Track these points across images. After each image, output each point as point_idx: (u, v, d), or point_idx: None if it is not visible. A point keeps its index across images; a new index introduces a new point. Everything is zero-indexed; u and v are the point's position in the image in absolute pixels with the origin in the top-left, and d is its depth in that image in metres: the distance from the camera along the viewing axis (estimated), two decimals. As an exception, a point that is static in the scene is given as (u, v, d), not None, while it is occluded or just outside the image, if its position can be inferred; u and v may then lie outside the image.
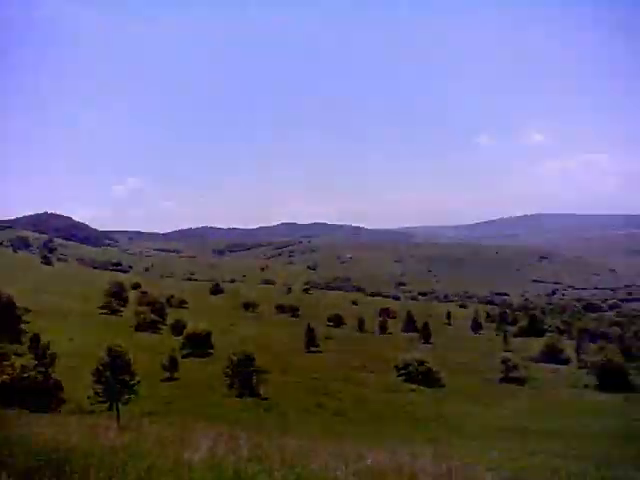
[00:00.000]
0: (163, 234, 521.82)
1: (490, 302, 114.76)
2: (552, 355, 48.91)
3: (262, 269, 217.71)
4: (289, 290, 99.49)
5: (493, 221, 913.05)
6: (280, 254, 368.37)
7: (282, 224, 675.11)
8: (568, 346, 51.53)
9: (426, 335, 57.67)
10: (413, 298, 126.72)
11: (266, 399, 25.77)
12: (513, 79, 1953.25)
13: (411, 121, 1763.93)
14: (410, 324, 65.38)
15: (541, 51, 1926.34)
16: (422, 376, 33.85)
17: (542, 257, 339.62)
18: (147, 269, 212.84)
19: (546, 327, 69.38)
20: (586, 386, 33.56)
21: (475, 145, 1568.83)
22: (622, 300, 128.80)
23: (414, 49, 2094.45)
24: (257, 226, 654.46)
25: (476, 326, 70.32)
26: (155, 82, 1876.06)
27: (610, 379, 33.32)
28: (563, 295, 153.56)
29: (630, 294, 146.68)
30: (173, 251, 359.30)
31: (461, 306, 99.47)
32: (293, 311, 72.70)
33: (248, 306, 72.28)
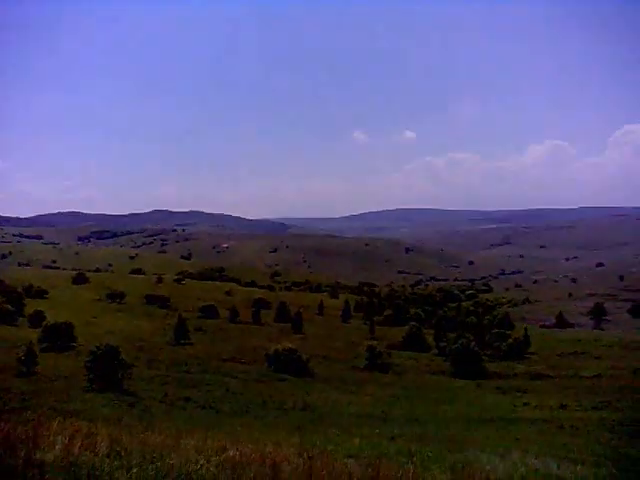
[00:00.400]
0: (24, 218, 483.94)
1: (360, 292, 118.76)
2: (414, 343, 51.84)
3: (131, 257, 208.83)
4: (159, 280, 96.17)
5: (365, 214, 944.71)
6: (152, 242, 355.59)
7: (155, 211, 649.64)
8: (429, 334, 54.76)
9: (298, 325, 58.66)
10: (287, 288, 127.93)
11: (131, 394, 24.86)
12: (390, 80, 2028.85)
13: (293, 113, 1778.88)
14: (283, 314, 66.08)
15: (416, 59, 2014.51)
16: (292, 366, 34.43)
17: (408, 249, 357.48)
18: (4, 256, 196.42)
19: (409, 316, 73.11)
20: (444, 372, 35.95)
21: (351, 140, 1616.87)
22: (479, 291, 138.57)
23: (307, 49, 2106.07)
24: (128, 212, 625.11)
25: (346, 316, 72.64)
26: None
27: (465, 366, 35.97)
28: (426, 286, 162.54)
29: (486, 285, 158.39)
30: (34, 237, 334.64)
31: (332, 296, 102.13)
32: (163, 302, 70.37)
33: (114, 297, 68.77)
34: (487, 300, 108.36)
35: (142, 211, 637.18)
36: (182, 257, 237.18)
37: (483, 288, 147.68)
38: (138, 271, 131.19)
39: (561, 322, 68.82)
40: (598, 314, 74.26)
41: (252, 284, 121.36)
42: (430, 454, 10.82)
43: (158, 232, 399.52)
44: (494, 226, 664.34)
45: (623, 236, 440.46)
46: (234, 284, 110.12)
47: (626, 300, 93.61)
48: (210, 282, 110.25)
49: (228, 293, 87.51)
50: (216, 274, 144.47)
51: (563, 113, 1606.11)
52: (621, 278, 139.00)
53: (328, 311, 77.79)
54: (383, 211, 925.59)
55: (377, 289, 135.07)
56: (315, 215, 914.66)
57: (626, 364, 37.32)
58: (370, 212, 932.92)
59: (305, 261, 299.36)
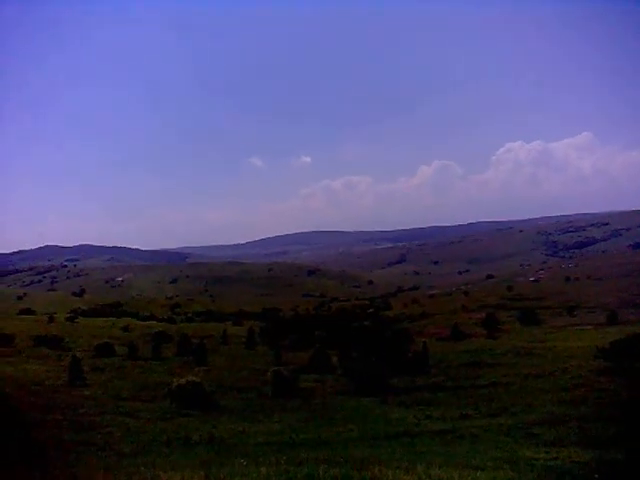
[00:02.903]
0: None
1: (264, 318, 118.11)
2: (320, 365, 52.14)
3: (19, 297, 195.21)
4: (51, 319, 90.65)
5: (266, 239, 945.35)
6: (41, 280, 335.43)
7: (44, 247, 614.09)
8: (334, 355, 55.34)
9: (201, 357, 57.22)
10: (189, 319, 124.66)
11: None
12: (285, 106, 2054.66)
13: (190, 139, 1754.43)
14: (185, 347, 64.25)
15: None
16: (196, 400, 33.49)
17: (310, 272, 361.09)
18: None
19: (314, 338, 73.57)
20: (349, 392, 36.42)
21: (248, 166, 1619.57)
22: (379, 308, 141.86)
23: (202, 78, 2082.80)
24: (14, 250, 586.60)
25: (251, 343, 71.93)
26: None
27: (369, 383, 36.65)
28: (329, 307, 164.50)
29: (386, 302, 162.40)
30: None
31: (236, 324, 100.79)
32: (56, 342, 66.28)
33: (2, 340, 64.08)
34: (387, 317, 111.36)
35: (30, 248, 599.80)
36: (74, 294, 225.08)
37: (383, 305, 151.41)
38: (27, 311, 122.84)
39: (457, 334, 71.90)
40: (490, 324, 78.39)
41: (151, 317, 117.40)
42: (337, 475, 10.97)
43: (47, 269, 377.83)
44: (390, 245, 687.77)
45: (509, 248, 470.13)
46: (131, 319, 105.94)
47: (515, 309, 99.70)
48: (105, 318, 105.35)
49: (125, 329, 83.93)
50: (112, 309, 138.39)
51: (449, 133, 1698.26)
52: (509, 288, 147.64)
53: (232, 339, 76.68)
54: (283, 235, 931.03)
55: (281, 314, 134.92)
56: (215, 242, 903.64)
57: (518, 370, 39.64)
58: (270, 237, 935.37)
59: (206, 290, 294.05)
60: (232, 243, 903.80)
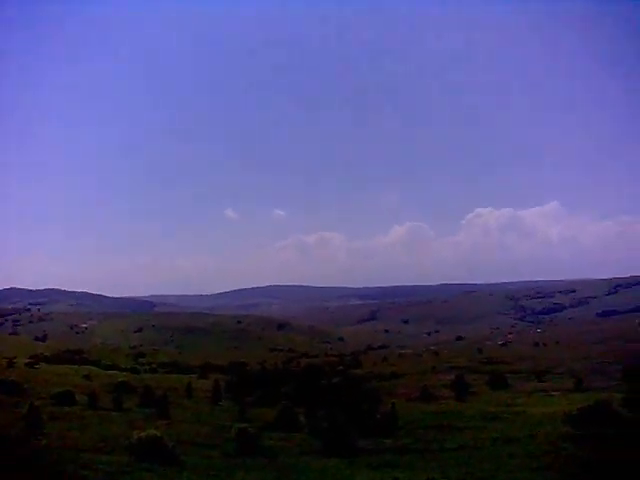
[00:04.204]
0: None
1: (231, 372, 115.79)
2: (286, 423, 50.84)
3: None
4: (10, 364, 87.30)
5: (237, 291, 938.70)
6: (3, 323, 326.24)
7: (10, 289, 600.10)
8: (301, 413, 54.16)
9: (164, 410, 55.38)
10: (153, 370, 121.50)
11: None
12: (259, 158, 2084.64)
13: (160, 188, 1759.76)
14: (148, 399, 62.19)
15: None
16: (157, 454, 32.19)
17: (280, 326, 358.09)
18: None
19: (281, 395, 72.06)
20: (315, 452, 35.52)
21: (222, 218, 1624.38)
22: (348, 366, 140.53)
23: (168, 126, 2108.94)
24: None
25: (216, 397, 70.00)
26: None
27: (336, 444, 35.80)
28: (298, 363, 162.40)
29: (355, 360, 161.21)
30: None
31: (202, 377, 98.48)
32: (14, 388, 63.60)
33: (-47, 386, 61.27)
34: (357, 375, 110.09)
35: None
36: (36, 338, 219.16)
37: (352, 363, 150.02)
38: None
39: (426, 395, 71.19)
40: (459, 386, 77.93)
41: (114, 367, 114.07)
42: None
43: (10, 312, 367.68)
44: (361, 302, 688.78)
45: (478, 310, 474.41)
46: (94, 367, 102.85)
47: (484, 372, 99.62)
48: (67, 366, 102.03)
49: (87, 377, 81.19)
50: (74, 357, 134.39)
51: (420, 196, 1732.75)
52: (479, 350, 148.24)
53: (197, 393, 74.59)
54: (255, 288, 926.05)
55: (249, 368, 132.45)
56: (185, 292, 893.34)
57: (486, 435, 39.27)
58: (242, 289, 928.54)
59: (172, 340, 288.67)
60: (202, 293, 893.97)
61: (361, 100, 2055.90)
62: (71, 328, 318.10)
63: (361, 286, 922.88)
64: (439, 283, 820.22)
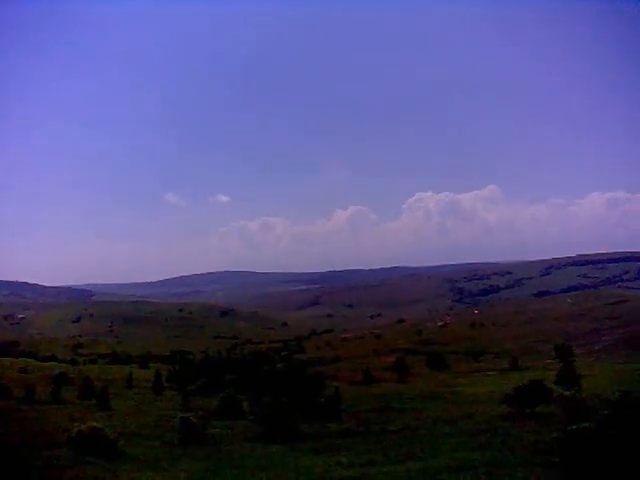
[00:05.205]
0: None
1: (172, 361, 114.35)
2: (229, 410, 50.64)
3: None
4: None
5: (179, 278, 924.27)
6: None
7: None
8: (245, 400, 54.06)
9: (104, 401, 54.19)
10: (92, 361, 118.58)
11: None
12: (202, 144, 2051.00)
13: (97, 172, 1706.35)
14: (87, 390, 60.69)
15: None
16: (98, 447, 31.50)
17: (224, 313, 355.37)
18: None
19: (224, 383, 71.81)
20: (259, 439, 35.61)
21: (163, 203, 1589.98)
22: (292, 351, 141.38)
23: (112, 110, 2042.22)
24: None
25: (158, 387, 69.04)
26: None
27: (280, 429, 35.96)
28: (242, 349, 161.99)
29: (299, 345, 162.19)
30: None
31: (143, 367, 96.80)
32: (-59, 385, 60.80)
33: None
34: (300, 360, 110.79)
35: None
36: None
37: (296, 348, 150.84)
38: None
39: (368, 378, 72.50)
40: (400, 368, 79.66)
41: (51, 358, 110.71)
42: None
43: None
44: (304, 287, 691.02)
45: (418, 293, 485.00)
46: (30, 359, 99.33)
47: (424, 353, 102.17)
48: (2, 358, 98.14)
49: (23, 370, 78.42)
50: (9, 349, 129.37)
51: (364, 181, 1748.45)
52: (419, 332, 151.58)
53: (138, 383, 73.33)
54: (198, 274, 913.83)
55: (191, 356, 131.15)
56: (124, 280, 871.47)
57: (426, 415, 40.35)
58: (184, 276, 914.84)
59: (112, 330, 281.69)
60: (143, 281, 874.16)
61: (306, 83, 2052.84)
62: (5, 319, 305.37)
63: (305, 271, 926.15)
64: (381, 267, 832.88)
